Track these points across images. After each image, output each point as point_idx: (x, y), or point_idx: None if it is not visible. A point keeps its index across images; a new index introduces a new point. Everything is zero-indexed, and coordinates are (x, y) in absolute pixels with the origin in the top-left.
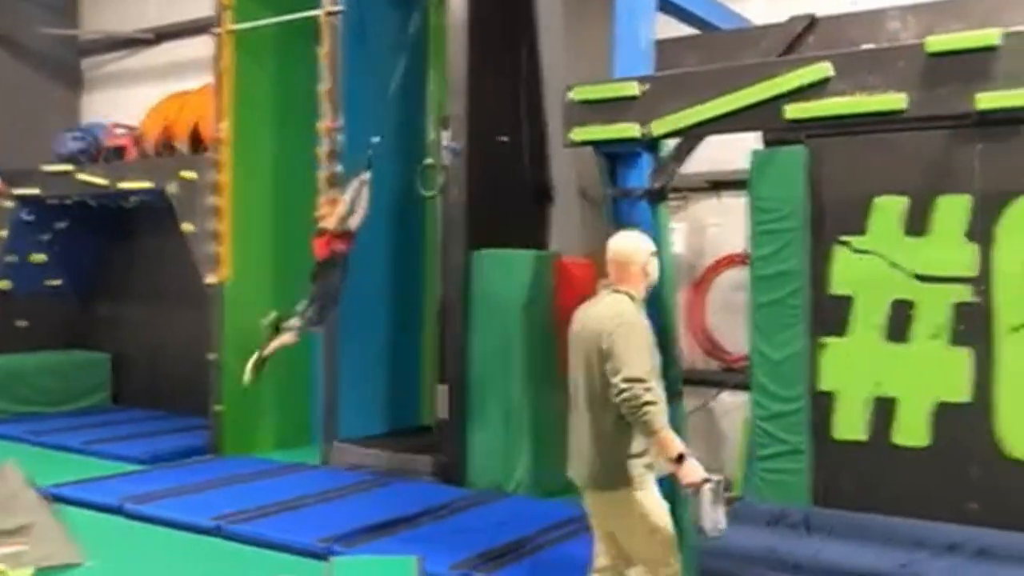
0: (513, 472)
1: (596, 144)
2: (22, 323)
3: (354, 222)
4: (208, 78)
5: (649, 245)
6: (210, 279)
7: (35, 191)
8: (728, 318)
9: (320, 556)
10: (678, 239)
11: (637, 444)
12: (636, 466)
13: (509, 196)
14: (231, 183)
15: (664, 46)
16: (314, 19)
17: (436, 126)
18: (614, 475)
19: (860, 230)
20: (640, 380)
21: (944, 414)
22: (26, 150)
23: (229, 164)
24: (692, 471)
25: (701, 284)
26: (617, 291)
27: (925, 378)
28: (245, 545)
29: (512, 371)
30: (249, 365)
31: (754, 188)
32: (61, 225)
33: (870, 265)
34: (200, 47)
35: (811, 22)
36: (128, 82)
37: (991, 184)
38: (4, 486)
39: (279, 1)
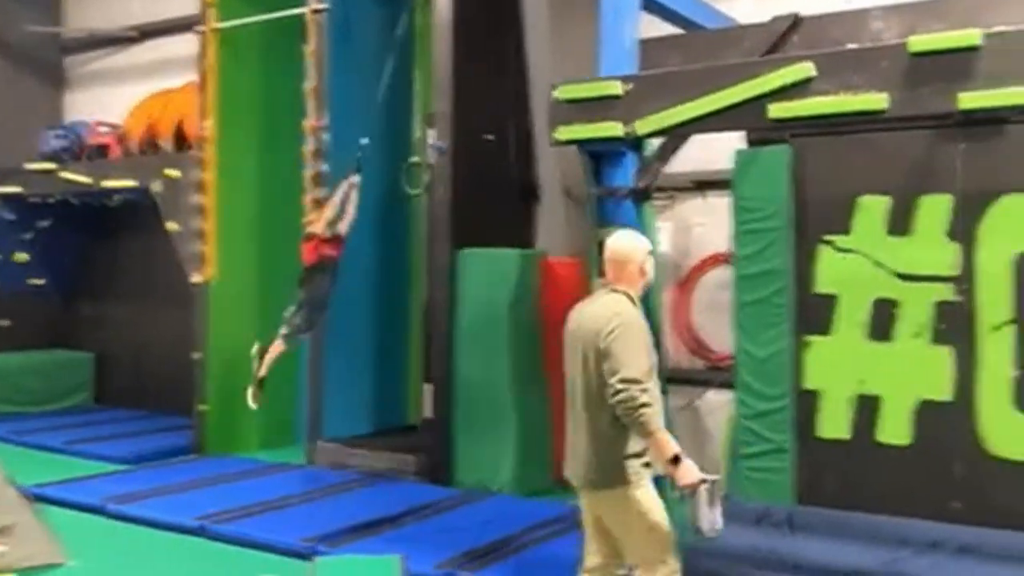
0: (498, 471)
1: (580, 143)
2: (4, 322)
3: (343, 227)
4: (192, 76)
5: (646, 244)
6: (195, 278)
7: (17, 190)
8: (713, 317)
9: (304, 556)
10: (664, 238)
11: (635, 443)
12: (634, 465)
13: (495, 195)
14: (216, 181)
15: (647, 45)
16: (299, 17)
17: (422, 124)
18: (611, 474)
19: (844, 229)
20: (636, 381)
21: (926, 412)
22: (8, 148)
23: (214, 162)
24: (688, 472)
25: (687, 283)
26: (615, 290)
27: (908, 376)
28: (229, 545)
29: (498, 370)
30: (250, 393)
31: (738, 187)
32: (44, 224)
33: (854, 264)
34: (184, 45)
35: (794, 22)
36: (112, 80)
37: (973, 184)
38: None
39: None
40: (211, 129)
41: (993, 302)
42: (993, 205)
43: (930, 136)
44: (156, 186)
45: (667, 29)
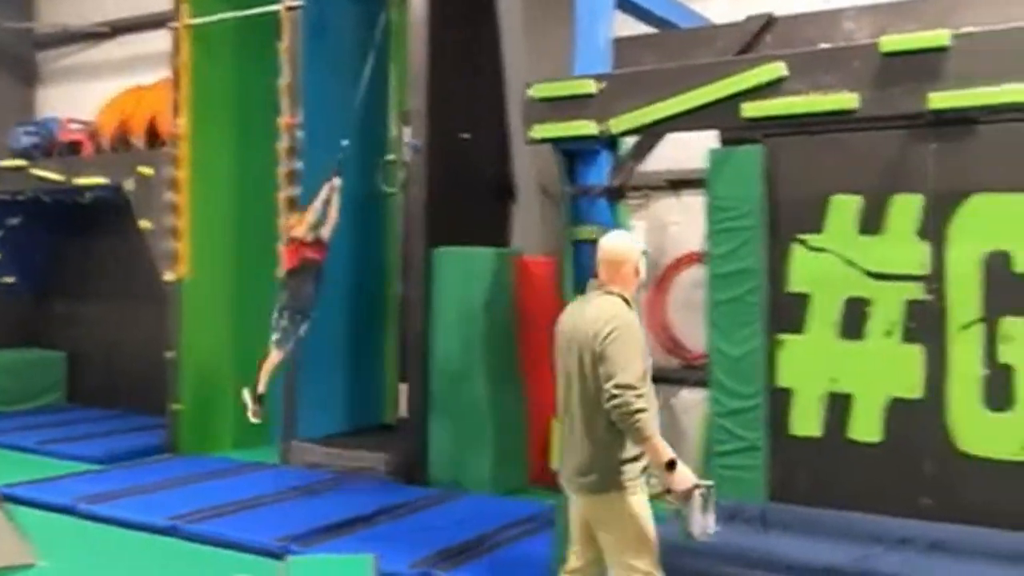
0: (473, 470)
1: (555, 141)
2: None
3: (326, 232)
4: (165, 72)
5: (640, 244)
6: (168, 276)
7: None
8: (689, 316)
9: (277, 555)
10: (639, 237)
11: (631, 448)
12: (630, 470)
13: (471, 193)
14: (189, 179)
15: (622, 45)
16: (273, 14)
17: (397, 122)
18: (607, 478)
19: (816, 228)
20: (631, 387)
21: (897, 410)
22: None
23: (187, 160)
24: (683, 478)
25: (662, 282)
26: (610, 292)
27: (879, 375)
28: (202, 545)
29: (473, 369)
30: (250, 410)
31: (711, 187)
32: (14, 221)
33: (826, 263)
34: (157, 41)
35: (768, 21)
36: (84, 76)
37: (944, 184)
38: None
39: None
40: (184, 126)
41: (962, 301)
42: (963, 205)
43: (901, 136)
44: (129, 183)
45: (641, 28)
